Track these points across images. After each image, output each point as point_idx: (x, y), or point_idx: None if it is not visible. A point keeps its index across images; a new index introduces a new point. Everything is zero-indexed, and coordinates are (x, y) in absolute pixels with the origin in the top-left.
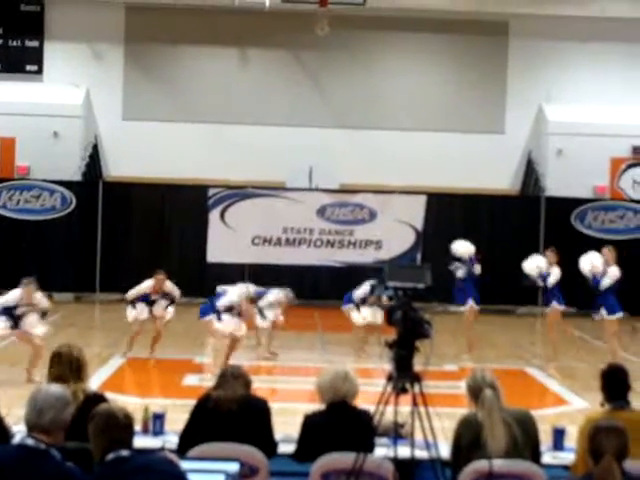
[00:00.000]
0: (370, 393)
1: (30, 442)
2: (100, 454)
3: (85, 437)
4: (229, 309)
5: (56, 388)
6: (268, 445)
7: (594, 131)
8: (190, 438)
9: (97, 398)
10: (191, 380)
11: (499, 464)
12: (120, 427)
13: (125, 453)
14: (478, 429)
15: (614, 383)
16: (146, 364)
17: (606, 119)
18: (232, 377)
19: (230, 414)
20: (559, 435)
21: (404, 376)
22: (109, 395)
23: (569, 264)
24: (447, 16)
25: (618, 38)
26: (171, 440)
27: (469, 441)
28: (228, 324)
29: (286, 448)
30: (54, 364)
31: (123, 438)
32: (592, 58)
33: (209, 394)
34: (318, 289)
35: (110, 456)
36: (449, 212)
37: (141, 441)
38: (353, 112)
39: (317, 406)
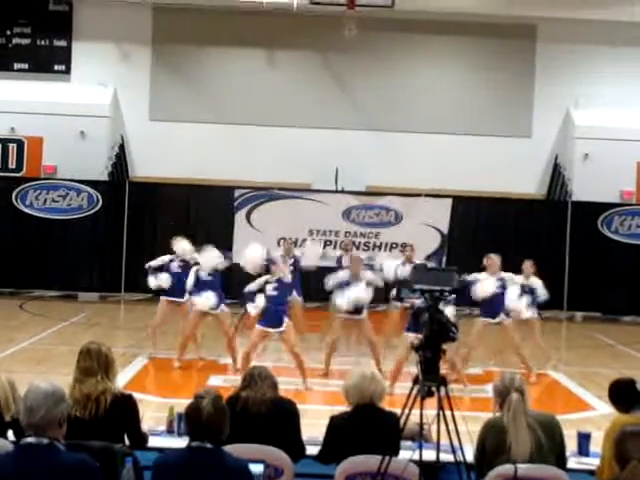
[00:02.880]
0: (397, 396)
1: (31, 440)
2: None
3: (112, 436)
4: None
5: (46, 385)
6: (296, 448)
7: (621, 136)
8: None
9: (125, 398)
10: (216, 381)
11: (524, 468)
12: (209, 421)
13: (209, 445)
14: (503, 433)
15: (627, 395)
16: (170, 364)
17: (633, 124)
18: (259, 378)
19: (259, 416)
20: (584, 440)
21: (430, 379)
22: (134, 395)
23: (595, 269)
24: (475, 19)
25: None
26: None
27: (493, 445)
28: None
29: (310, 450)
30: (82, 359)
31: (217, 435)
32: (620, 63)
33: (237, 395)
34: None
35: (194, 443)
36: (475, 215)
37: (166, 441)
38: (380, 114)
39: (341, 408)
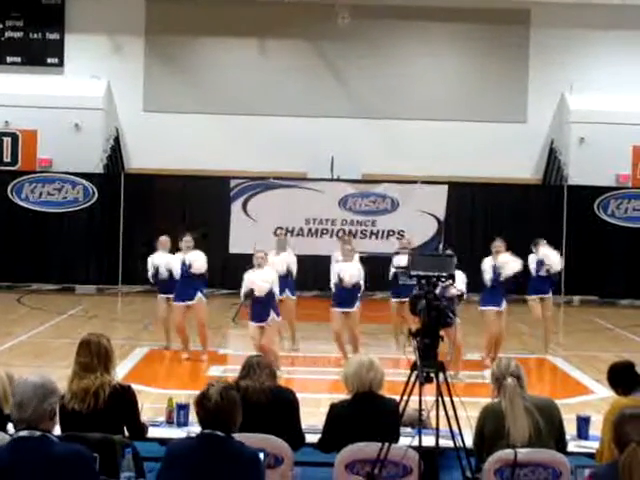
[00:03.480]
0: (395, 383)
1: (24, 433)
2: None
3: (111, 428)
4: None
5: (35, 378)
6: (295, 437)
7: (616, 119)
8: None
9: (124, 390)
10: (215, 371)
11: (523, 453)
12: (218, 411)
13: (220, 433)
14: (501, 418)
15: (626, 378)
16: (169, 355)
17: (629, 107)
18: (258, 367)
19: (258, 405)
20: (583, 423)
21: (428, 365)
22: (133, 386)
23: (592, 253)
24: (468, 5)
25: None
26: (195, 431)
27: (492, 430)
28: None
29: (310, 438)
30: (82, 353)
31: (219, 420)
32: (615, 47)
33: (237, 384)
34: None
35: (206, 431)
36: (471, 201)
37: (165, 432)
38: (374, 102)
39: (340, 396)
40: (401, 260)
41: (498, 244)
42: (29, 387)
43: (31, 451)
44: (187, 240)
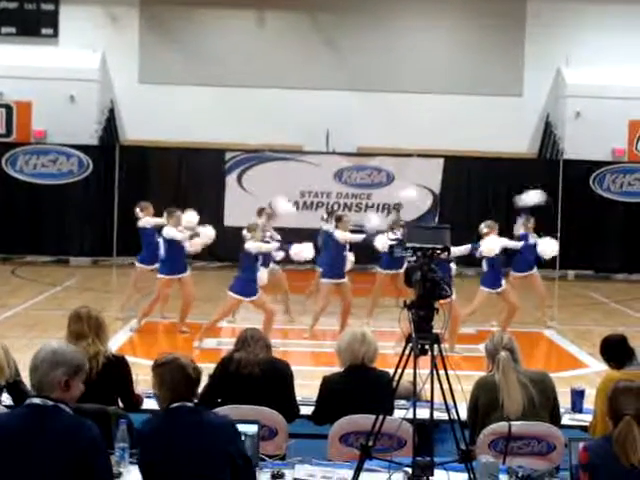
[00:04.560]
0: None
1: (37, 401)
2: (164, 402)
3: (105, 399)
4: None
5: (51, 346)
6: (290, 409)
7: (613, 94)
8: (210, 400)
9: (117, 360)
10: (209, 343)
11: (517, 425)
12: (188, 381)
13: (189, 404)
14: (495, 391)
15: (619, 351)
16: (163, 328)
17: (625, 82)
18: (252, 340)
19: (252, 377)
20: (578, 397)
21: (424, 337)
22: (127, 358)
23: (587, 227)
24: None
25: (638, 0)
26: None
27: (486, 402)
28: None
29: (304, 410)
30: (72, 323)
31: (189, 391)
32: (611, 20)
33: (231, 356)
34: None
35: (174, 405)
36: (466, 175)
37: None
38: (370, 75)
39: (334, 369)
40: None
41: (483, 228)
42: (42, 353)
43: (37, 421)
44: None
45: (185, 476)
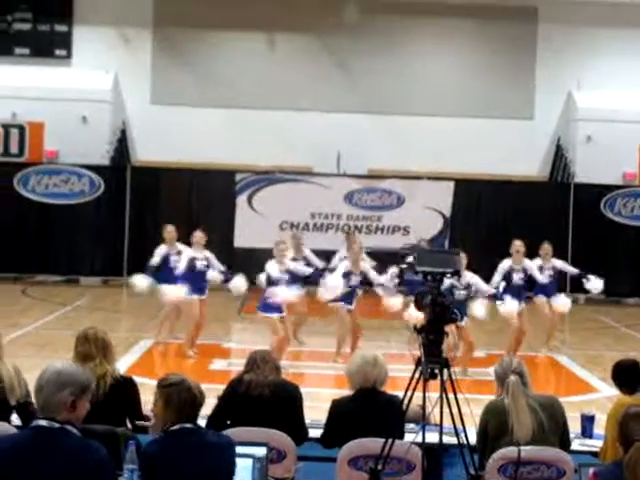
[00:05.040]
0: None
1: (43, 423)
2: (165, 422)
3: (113, 420)
4: None
5: (57, 366)
6: (298, 431)
7: (623, 117)
8: (219, 421)
9: (125, 381)
10: (219, 365)
11: (527, 450)
12: (194, 404)
13: (189, 425)
14: (504, 415)
15: (631, 376)
16: (173, 349)
17: (636, 106)
18: (262, 361)
19: (261, 399)
20: (588, 422)
21: (433, 361)
22: (136, 379)
23: (598, 251)
24: (476, 1)
25: None
26: (199, 424)
27: (495, 427)
28: None
29: (313, 433)
30: (79, 344)
31: (192, 414)
32: (622, 44)
33: (240, 378)
34: None
35: (175, 427)
36: (477, 198)
37: None
38: (381, 97)
39: (344, 392)
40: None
41: (518, 244)
42: (47, 374)
43: (48, 442)
44: (201, 237)
45: None
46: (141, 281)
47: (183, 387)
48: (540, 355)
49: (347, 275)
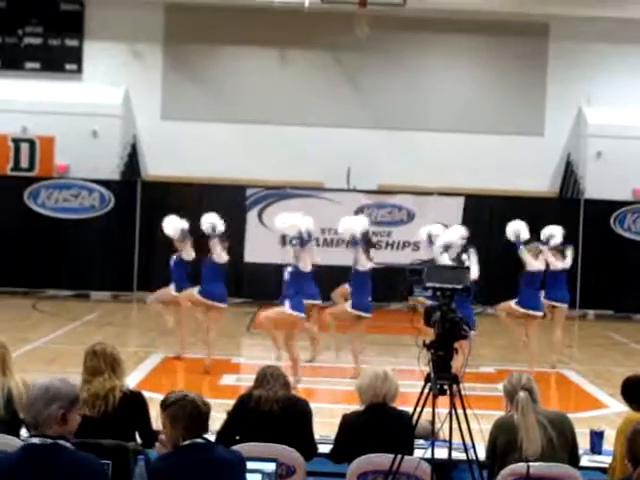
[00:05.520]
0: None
1: (35, 440)
2: (176, 441)
3: (122, 435)
4: None
5: (44, 381)
6: (308, 447)
7: (634, 134)
8: (228, 437)
9: (134, 396)
10: (228, 380)
11: (536, 467)
12: (200, 416)
13: (200, 441)
14: (514, 431)
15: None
16: (183, 364)
17: None
18: (271, 377)
19: (271, 414)
20: (597, 438)
21: (442, 377)
22: (146, 394)
23: (608, 267)
24: (487, 17)
25: None
26: (209, 438)
27: (505, 443)
28: None
29: (322, 448)
30: (88, 360)
31: (201, 426)
32: (633, 61)
33: (250, 393)
34: None
35: (186, 442)
36: (487, 214)
37: None
38: (392, 113)
39: (353, 407)
40: None
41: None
42: (35, 390)
43: (41, 459)
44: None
45: None
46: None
47: (186, 402)
48: (549, 371)
49: None
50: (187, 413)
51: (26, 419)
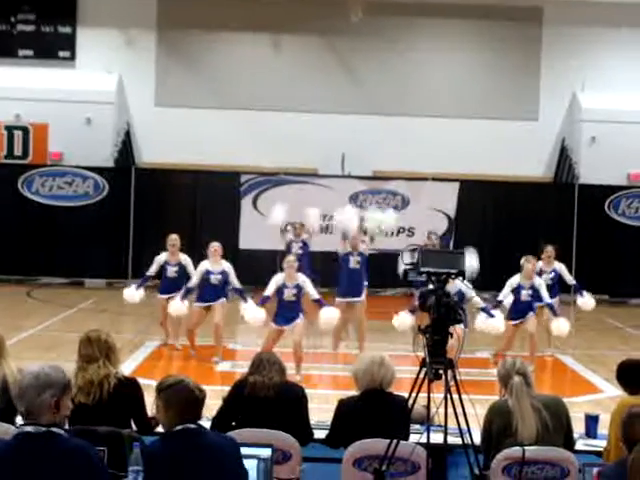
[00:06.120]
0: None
1: (29, 429)
2: (170, 425)
3: (118, 421)
4: None
5: (34, 369)
6: (304, 433)
7: (628, 118)
8: (224, 423)
9: (129, 382)
10: (224, 366)
11: (531, 450)
12: (194, 402)
13: (193, 426)
14: (508, 416)
15: (634, 377)
16: (178, 351)
17: None
18: (267, 363)
19: (266, 400)
20: (592, 422)
21: (438, 362)
22: (141, 381)
23: (603, 252)
24: (481, 2)
25: None
26: (204, 425)
27: (500, 427)
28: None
29: (318, 434)
30: (82, 347)
31: (195, 412)
32: (627, 45)
33: (245, 379)
34: None
35: (178, 427)
36: (482, 199)
37: None
38: (386, 99)
39: (349, 392)
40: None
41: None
42: (26, 378)
43: (35, 447)
44: (217, 249)
45: None
46: (132, 296)
47: (181, 387)
48: (545, 356)
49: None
50: (181, 398)
51: (19, 408)
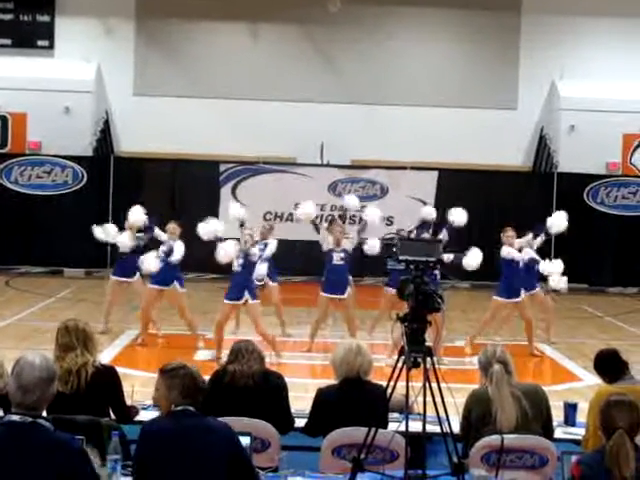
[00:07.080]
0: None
1: (15, 418)
2: (169, 406)
3: (96, 410)
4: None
5: (41, 362)
6: (285, 421)
7: (607, 107)
8: (203, 412)
9: (106, 370)
10: (203, 355)
11: (510, 439)
12: (195, 387)
13: (191, 408)
14: (488, 404)
15: (612, 365)
16: (157, 340)
17: (619, 95)
18: (246, 352)
19: (246, 389)
20: (571, 410)
21: (416, 350)
22: (121, 370)
23: (581, 240)
24: None
25: (632, 14)
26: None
27: (479, 415)
28: None
29: (298, 422)
30: (60, 336)
31: (195, 398)
32: (606, 34)
33: (225, 368)
34: None
35: (178, 408)
36: (461, 188)
37: (153, 415)
38: (365, 88)
39: (328, 381)
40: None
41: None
42: (36, 371)
43: (20, 438)
44: (174, 227)
45: (184, 476)
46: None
47: (185, 372)
48: (524, 344)
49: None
50: (184, 382)
51: (24, 401)
